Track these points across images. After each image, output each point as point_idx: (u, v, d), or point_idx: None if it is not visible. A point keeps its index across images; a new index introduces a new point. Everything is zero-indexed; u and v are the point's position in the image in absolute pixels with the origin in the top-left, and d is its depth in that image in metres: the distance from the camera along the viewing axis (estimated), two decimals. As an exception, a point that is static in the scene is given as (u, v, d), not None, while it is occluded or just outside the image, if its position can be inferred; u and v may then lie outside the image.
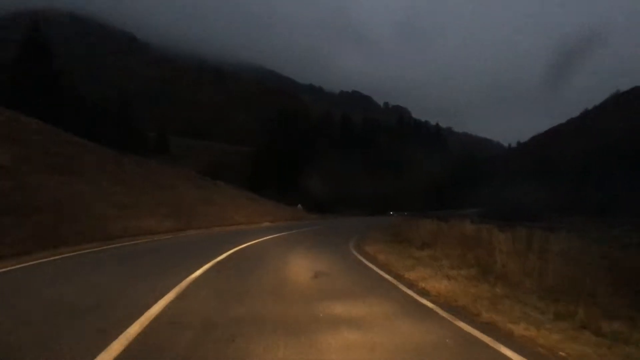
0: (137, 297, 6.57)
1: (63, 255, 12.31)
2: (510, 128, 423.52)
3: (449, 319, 5.85)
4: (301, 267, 10.90)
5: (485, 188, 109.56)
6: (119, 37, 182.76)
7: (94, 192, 22.12)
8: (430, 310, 6.41)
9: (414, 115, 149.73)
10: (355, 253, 15.41)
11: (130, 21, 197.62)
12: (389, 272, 10.45)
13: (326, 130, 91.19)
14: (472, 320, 5.84)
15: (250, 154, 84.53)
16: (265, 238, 19.69)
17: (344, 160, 77.89)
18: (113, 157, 32.43)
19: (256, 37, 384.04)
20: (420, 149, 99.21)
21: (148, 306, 5.82)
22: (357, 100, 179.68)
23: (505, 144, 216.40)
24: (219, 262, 11.22)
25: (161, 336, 4.70)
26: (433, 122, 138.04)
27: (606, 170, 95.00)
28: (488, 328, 5.48)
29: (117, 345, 4.29)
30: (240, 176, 72.88)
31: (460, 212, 72.89)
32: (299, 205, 54.64)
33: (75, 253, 13.00)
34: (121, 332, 4.69)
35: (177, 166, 48.19)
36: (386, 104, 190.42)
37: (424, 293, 7.68)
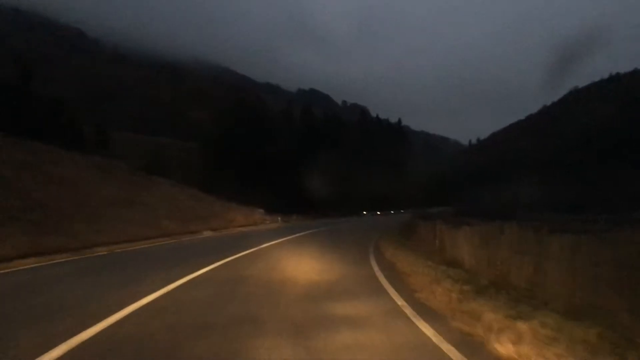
0: None
1: None
2: (468, 127, 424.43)
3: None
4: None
5: (452, 186, 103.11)
6: (66, 32, 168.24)
7: None
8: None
9: (373, 113, 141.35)
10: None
11: (78, 16, 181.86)
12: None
13: (287, 124, 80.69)
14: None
15: (205, 148, 73.29)
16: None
17: (309, 158, 68.73)
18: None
19: (211, 35, 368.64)
20: (384, 147, 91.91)
21: None
22: (315, 98, 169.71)
23: (463, 143, 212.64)
24: None
25: None
26: (392, 120, 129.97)
27: (569, 165, 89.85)
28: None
29: None
30: (196, 175, 62.64)
31: (431, 211, 68.95)
32: (260, 210, 43.68)
33: None
34: None
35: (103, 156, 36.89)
36: (344, 102, 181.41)
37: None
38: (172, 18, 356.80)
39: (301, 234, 22.56)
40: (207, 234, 22.38)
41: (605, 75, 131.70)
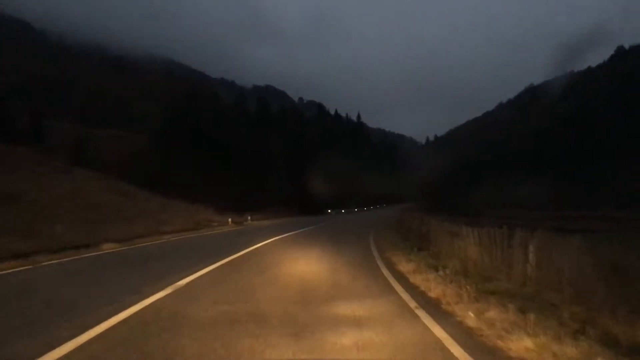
0: None
1: None
2: (421, 125, 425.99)
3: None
4: None
5: (412, 182, 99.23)
6: (11, 23, 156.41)
7: None
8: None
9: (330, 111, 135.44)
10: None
11: (24, 7, 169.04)
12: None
13: (240, 117, 73.27)
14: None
15: (152, 141, 65.21)
16: None
17: (266, 153, 62.12)
18: None
19: (163, 29, 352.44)
20: (343, 143, 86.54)
21: None
22: (271, 94, 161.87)
23: (419, 140, 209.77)
24: None
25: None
26: (351, 117, 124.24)
27: (527, 162, 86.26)
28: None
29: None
30: (140, 169, 55.19)
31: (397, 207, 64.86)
32: (208, 210, 36.30)
33: None
34: None
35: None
36: (301, 99, 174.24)
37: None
38: (122, 10, 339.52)
39: (252, 247, 15.21)
40: (108, 246, 14.92)
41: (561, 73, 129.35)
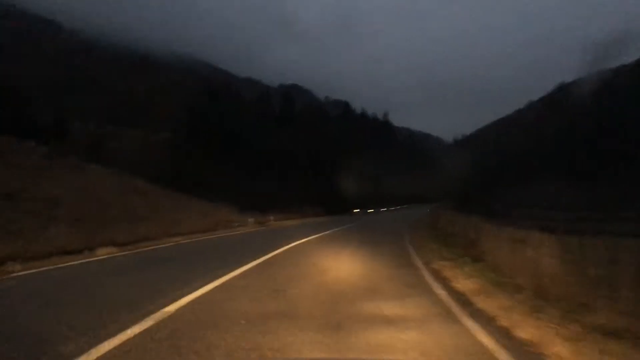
0: None
1: None
2: (449, 123, 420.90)
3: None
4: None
5: (438, 182, 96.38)
6: (43, 24, 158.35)
7: None
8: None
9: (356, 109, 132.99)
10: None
11: (55, 8, 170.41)
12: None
13: (265, 115, 71.45)
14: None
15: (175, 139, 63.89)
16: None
17: (291, 150, 60.31)
18: None
19: (190, 29, 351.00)
20: (370, 141, 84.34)
21: None
22: (297, 93, 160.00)
23: (445, 139, 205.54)
24: None
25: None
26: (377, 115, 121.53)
27: (555, 162, 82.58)
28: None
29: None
30: (161, 167, 54.02)
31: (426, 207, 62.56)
32: (229, 209, 34.32)
33: None
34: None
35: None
36: (327, 97, 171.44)
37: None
38: (149, 10, 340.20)
39: (269, 254, 12.68)
40: (105, 251, 12.94)
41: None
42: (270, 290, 7.47)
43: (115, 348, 4.52)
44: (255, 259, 11.09)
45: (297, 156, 61.12)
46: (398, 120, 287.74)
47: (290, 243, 15.33)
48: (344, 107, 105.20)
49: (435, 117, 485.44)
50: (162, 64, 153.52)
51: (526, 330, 5.26)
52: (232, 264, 10.09)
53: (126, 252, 13.22)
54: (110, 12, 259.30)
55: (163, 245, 15.34)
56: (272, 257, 12.17)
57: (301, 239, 17.43)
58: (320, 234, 20.42)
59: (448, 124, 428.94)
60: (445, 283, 8.69)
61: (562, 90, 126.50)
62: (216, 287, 7.71)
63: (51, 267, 10.17)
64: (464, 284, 8.40)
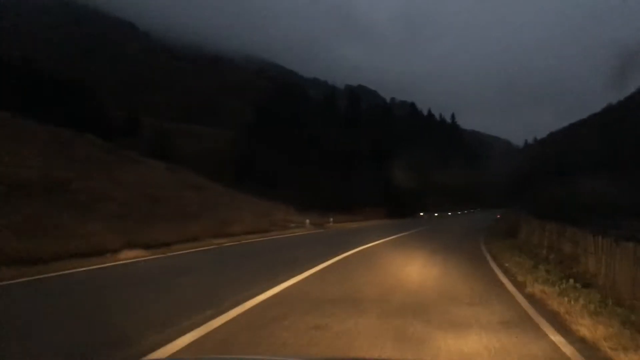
0: None
1: None
2: (516, 127, 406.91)
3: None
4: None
5: (506, 186, 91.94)
6: (118, 25, 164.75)
7: None
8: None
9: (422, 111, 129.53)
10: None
11: (130, 10, 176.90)
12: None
13: (331, 116, 70.15)
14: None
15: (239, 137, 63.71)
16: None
17: (353, 151, 58.69)
18: None
19: (258, 29, 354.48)
20: (437, 143, 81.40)
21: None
22: (363, 94, 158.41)
23: (514, 143, 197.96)
24: None
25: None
26: (443, 117, 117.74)
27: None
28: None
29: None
30: (222, 164, 54.08)
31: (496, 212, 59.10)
32: (287, 208, 32.41)
33: None
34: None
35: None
36: (393, 98, 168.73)
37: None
38: (219, 12, 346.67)
39: (322, 264, 10.60)
40: (124, 256, 10.94)
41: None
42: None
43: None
44: (289, 278, 8.43)
45: (362, 157, 59.38)
46: (466, 122, 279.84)
47: (343, 253, 13.10)
48: (410, 108, 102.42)
49: (505, 120, 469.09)
50: (233, 64, 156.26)
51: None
52: (263, 283, 7.74)
53: (150, 257, 11.43)
54: (183, 14, 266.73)
55: (202, 249, 13.60)
56: (316, 273, 9.61)
57: (358, 246, 15.26)
58: (382, 240, 18.24)
59: (519, 127, 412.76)
60: (559, 322, 5.80)
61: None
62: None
63: (35, 278, 8.04)
64: (589, 326, 5.48)
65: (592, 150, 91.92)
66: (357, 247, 14.48)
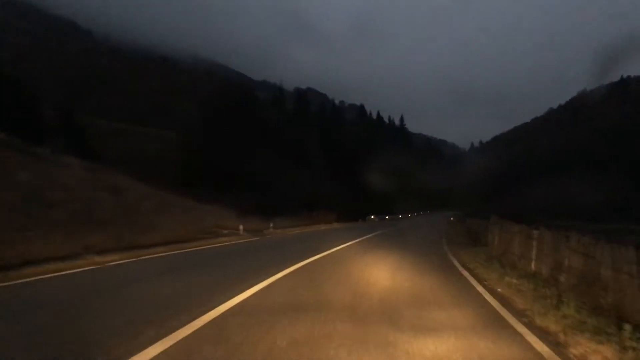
0: None
1: None
2: (466, 130, 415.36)
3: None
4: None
5: (455, 188, 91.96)
6: (59, 23, 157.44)
7: None
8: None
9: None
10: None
11: (72, 8, 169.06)
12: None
13: (278, 117, 67.09)
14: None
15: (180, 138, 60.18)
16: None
17: (301, 154, 56.24)
18: None
19: (207, 30, 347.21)
20: (386, 147, 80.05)
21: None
22: (313, 97, 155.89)
23: (461, 146, 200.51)
24: None
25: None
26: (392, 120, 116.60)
27: (574, 169, 77.19)
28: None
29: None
30: (164, 166, 51.05)
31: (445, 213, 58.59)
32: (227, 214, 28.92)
33: None
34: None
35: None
36: (342, 102, 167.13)
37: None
38: (167, 12, 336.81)
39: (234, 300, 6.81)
40: None
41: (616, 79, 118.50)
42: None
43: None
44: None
45: (309, 160, 56.86)
46: (414, 126, 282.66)
47: (265, 278, 8.97)
48: (360, 110, 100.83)
49: (451, 124, 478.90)
50: (181, 65, 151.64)
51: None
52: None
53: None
54: (129, 14, 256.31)
55: (68, 272, 9.21)
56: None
57: (292, 264, 11.11)
58: (320, 255, 13.72)
59: (465, 131, 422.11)
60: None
61: (581, 98, 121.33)
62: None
63: None
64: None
65: (540, 153, 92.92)
66: (283, 269, 10.13)
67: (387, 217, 60.97)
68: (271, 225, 26.66)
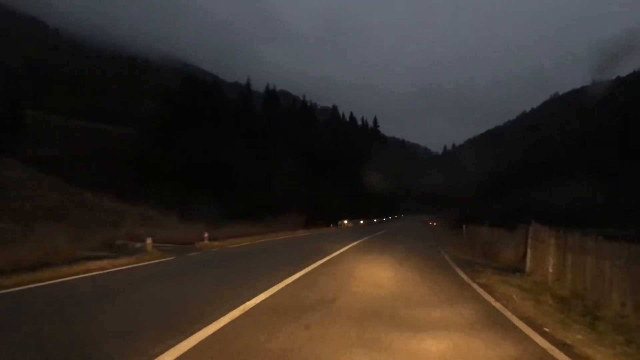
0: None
1: None
2: (438, 134, 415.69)
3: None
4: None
5: (428, 192, 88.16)
6: (26, 21, 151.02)
7: None
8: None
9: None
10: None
11: (38, 6, 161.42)
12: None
13: (246, 119, 61.62)
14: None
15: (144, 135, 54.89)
16: None
17: (269, 154, 51.33)
18: None
19: (178, 31, 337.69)
20: (358, 149, 75.95)
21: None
22: (285, 99, 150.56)
23: (433, 150, 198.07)
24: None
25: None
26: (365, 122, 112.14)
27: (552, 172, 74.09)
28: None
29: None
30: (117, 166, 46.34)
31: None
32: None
33: None
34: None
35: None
36: (315, 104, 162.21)
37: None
38: (137, 12, 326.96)
39: None
40: None
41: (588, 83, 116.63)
42: None
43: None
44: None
45: (278, 159, 51.63)
46: (386, 129, 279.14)
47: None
48: (332, 111, 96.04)
49: (423, 128, 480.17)
50: (150, 65, 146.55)
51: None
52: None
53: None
54: (97, 13, 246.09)
55: None
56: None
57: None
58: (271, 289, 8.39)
59: (437, 134, 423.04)
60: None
61: (554, 101, 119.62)
62: None
63: None
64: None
65: (514, 156, 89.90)
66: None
67: (361, 221, 56.11)
68: (206, 236, 18.95)
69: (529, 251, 12.02)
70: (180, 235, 18.14)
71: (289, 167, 50.67)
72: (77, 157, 47.56)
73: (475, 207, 52.34)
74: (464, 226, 29.66)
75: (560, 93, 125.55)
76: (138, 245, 13.92)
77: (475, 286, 10.05)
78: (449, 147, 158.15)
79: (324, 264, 13.02)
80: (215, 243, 18.77)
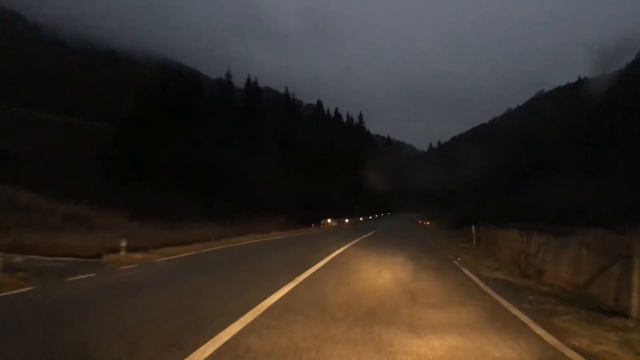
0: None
1: None
2: (423, 132, 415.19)
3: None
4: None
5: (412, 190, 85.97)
6: (3, 15, 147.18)
7: None
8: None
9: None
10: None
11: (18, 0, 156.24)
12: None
13: (228, 114, 58.40)
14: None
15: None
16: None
17: (249, 150, 48.65)
18: None
19: (160, 26, 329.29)
20: (343, 145, 73.43)
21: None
22: (269, 95, 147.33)
23: (419, 148, 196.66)
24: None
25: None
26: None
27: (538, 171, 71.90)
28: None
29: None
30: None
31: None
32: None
33: None
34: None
35: None
36: (300, 101, 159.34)
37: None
38: (118, 6, 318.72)
39: None
40: None
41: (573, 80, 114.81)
42: None
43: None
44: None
45: (260, 155, 48.73)
46: (372, 126, 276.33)
47: None
48: (316, 107, 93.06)
49: (408, 126, 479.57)
50: (131, 61, 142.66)
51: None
52: None
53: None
54: (78, 7, 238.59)
55: None
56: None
57: None
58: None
59: (422, 132, 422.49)
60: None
61: (539, 98, 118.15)
62: None
63: None
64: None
65: (505, 153, 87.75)
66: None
67: (346, 220, 53.31)
68: (123, 245, 14.01)
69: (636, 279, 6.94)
70: (97, 242, 14.06)
71: (270, 163, 47.85)
72: (34, 151, 44.10)
73: (471, 205, 49.72)
74: (472, 227, 23.73)
75: (546, 90, 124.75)
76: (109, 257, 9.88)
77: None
78: (434, 145, 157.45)
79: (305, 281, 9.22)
80: (137, 256, 13.79)
